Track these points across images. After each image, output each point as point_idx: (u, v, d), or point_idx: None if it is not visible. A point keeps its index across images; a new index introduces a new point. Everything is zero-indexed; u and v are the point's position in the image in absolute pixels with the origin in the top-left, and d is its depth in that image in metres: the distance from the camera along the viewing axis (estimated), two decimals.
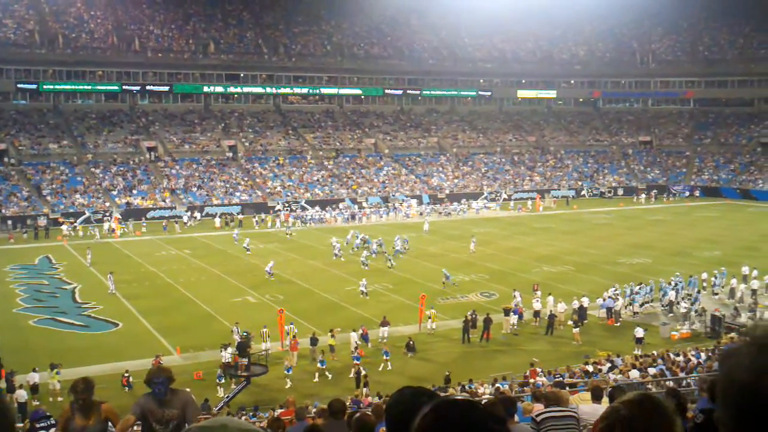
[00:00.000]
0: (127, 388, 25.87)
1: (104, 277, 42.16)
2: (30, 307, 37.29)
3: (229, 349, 27.28)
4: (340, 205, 72.44)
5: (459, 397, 1.80)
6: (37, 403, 24.62)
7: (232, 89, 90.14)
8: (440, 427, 1.66)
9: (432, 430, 1.67)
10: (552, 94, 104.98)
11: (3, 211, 62.37)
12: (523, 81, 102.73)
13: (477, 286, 40.54)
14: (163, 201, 69.65)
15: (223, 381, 26.95)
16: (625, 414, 2.15)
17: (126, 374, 26.28)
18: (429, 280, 41.66)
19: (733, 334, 29.06)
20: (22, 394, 24.56)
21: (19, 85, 79.59)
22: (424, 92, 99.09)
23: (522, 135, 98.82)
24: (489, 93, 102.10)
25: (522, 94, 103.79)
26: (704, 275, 40.10)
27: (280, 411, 19.68)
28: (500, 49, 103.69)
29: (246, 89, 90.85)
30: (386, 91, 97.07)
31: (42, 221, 61.29)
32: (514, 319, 33.26)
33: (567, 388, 16.10)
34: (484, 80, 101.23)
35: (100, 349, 30.43)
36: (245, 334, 28.79)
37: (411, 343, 30.21)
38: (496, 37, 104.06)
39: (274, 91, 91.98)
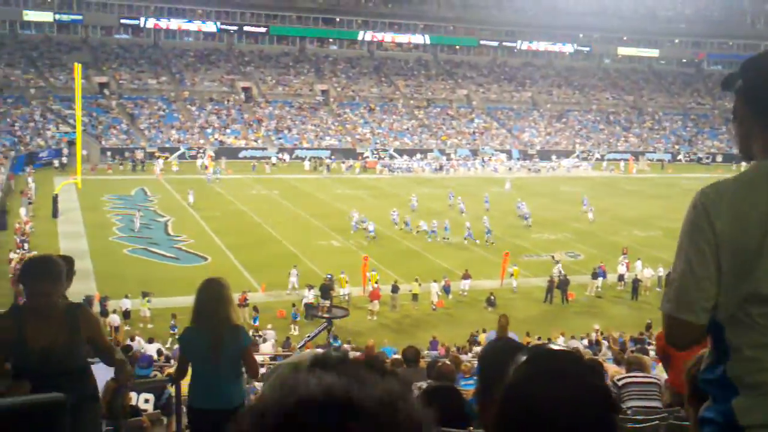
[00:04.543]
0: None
1: (201, 218, 43.25)
2: (125, 236, 38.67)
3: (313, 290, 27.73)
4: (429, 156, 72.13)
5: (557, 347, 1.75)
6: (128, 328, 25.77)
7: (327, 33, 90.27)
8: (536, 378, 1.60)
9: (528, 380, 1.61)
10: (654, 53, 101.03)
11: (103, 142, 64.58)
12: (624, 38, 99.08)
13: (562, 246, 39.96)
14: (255, 141, 70.78)
15: (298, 319, 27.37)
16: None
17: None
18: (511, 236, 41.37)
19: None
20: (114, 319, 25.70)
21: (121, 21, 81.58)
22: (521, 45, 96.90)
23: (619, 94, 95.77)
24: (588, 48, 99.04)
25: (623, 51, 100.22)
26: None
27: (356, 354, 19.98)
28: (601, 3, 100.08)
29: (341, 34, 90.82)
30: (481, 42, 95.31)
31: (139, 154, 63.23)
32: (599, 281, 32.79)
33: (650, 354, 15.79)
34: (583, 35, 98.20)
35: (189, 281, 31.16)
36: (328, 276, 29.23)
37: (492, 297, 30.14)
38: None
39: (368, 36, 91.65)
